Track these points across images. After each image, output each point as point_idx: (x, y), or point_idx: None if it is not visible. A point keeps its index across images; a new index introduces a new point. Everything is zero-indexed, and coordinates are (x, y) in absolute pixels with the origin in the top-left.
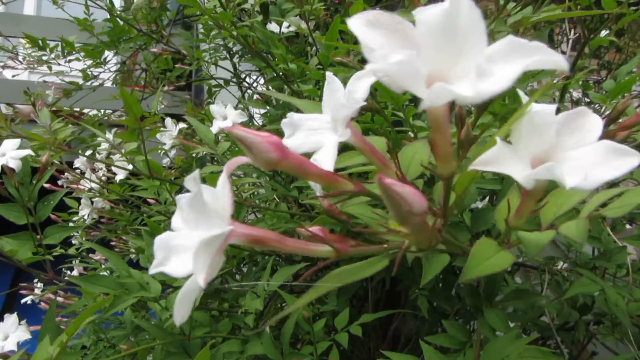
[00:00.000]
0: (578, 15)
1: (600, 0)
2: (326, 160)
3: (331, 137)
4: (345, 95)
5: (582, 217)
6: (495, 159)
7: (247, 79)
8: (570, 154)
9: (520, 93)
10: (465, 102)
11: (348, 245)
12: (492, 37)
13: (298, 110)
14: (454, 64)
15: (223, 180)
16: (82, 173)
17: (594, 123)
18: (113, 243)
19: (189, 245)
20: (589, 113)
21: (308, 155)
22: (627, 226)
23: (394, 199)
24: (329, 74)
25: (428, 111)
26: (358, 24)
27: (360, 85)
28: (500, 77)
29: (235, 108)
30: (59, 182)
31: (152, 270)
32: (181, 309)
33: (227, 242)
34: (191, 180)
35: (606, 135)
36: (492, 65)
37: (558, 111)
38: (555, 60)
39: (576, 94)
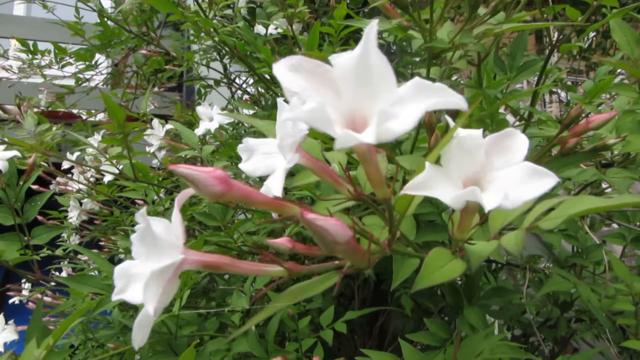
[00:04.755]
0: (541, 26)
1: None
2: (275, 185)
3: (282, 162)
4: (291, 124)
5: (521, 228)
6: (425, 183)
7: (237, 80)
8: (498, 174)
9: (448, 119)
10: (378, 142)
11: (300, 264)
12: (460, 48)
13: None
14: (370, 103)
15: (175, 212)
16: (71, 174)
17: (521, 143)
18: (102, 243)
19: (145, 273)
20: (517, 134)
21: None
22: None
23: (318, 232)
24: (279, 101)
25: (353, 146)
26: (282, 69)
27: None
28: (404, 118)
29: (225, 109)
30: (51, 187)
31: (114, 297)
32: (139, 334)
33: (180, 270)
34: (140, 215)
35: (559, 141)
36: (399, 107)
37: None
38: (455, 101)
39: (564, 95)
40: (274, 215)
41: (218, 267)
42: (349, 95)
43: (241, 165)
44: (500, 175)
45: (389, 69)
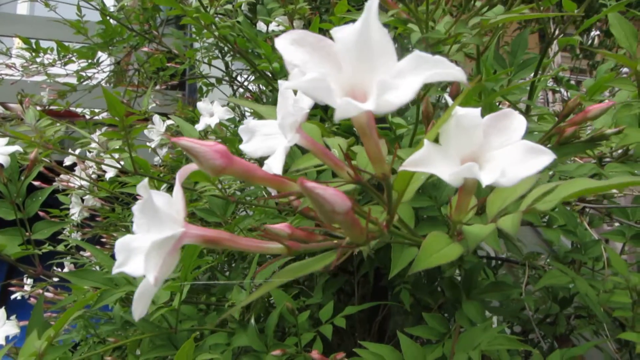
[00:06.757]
0: (536, 17)
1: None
2: (275, 164)
3: (283, 141)
4: (292, 103)
5: (519, 211)
6: (423, 159)
7: (239, 78)
8: (496, 152)
9: (447, 97)
10: (378, 113)
11: (302, 242)
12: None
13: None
14: (370, 76)
15: (177, 187)
16: (73, 170)
17: (519, 123)
18: (104, 239)
19: (146, 246)
20: (514, 114)
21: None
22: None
23: (317, 200)
24: (281, 82)
25: (353, 119)
26: (284, 43)
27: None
28: (404, 89)
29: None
30: (54, 184)
31: (115, 270)
32: (139, 306)
33: (181, 243)
34: (142, 187)
35: (557, 131)
36: (399, 79)
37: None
38: (453, 72)
39: (567, 94)
40: (273, 192)
41: (217, 241)
42: (350, 69)
43: (242, 146)
44: (498, 153)
45: (390, 43)
